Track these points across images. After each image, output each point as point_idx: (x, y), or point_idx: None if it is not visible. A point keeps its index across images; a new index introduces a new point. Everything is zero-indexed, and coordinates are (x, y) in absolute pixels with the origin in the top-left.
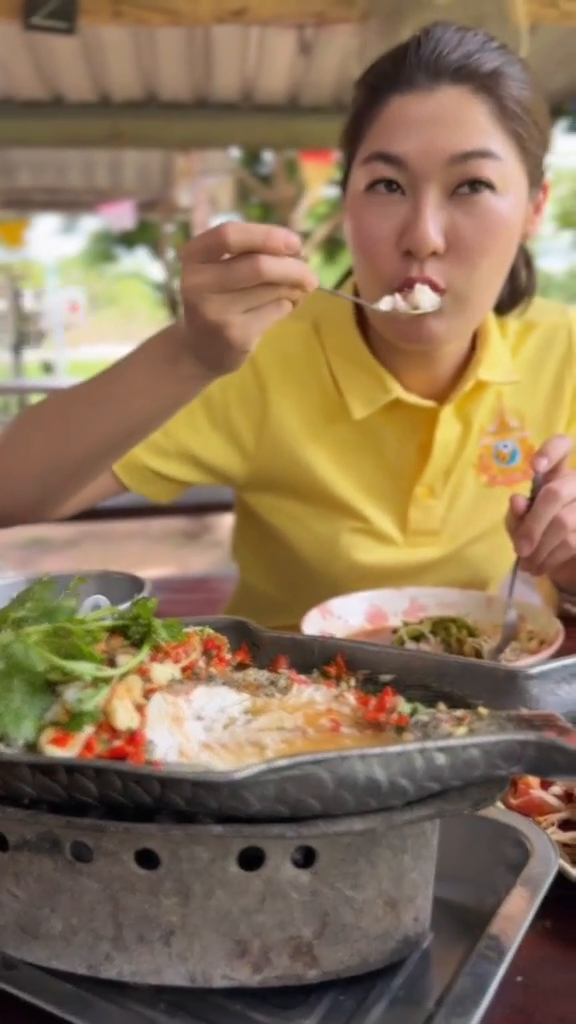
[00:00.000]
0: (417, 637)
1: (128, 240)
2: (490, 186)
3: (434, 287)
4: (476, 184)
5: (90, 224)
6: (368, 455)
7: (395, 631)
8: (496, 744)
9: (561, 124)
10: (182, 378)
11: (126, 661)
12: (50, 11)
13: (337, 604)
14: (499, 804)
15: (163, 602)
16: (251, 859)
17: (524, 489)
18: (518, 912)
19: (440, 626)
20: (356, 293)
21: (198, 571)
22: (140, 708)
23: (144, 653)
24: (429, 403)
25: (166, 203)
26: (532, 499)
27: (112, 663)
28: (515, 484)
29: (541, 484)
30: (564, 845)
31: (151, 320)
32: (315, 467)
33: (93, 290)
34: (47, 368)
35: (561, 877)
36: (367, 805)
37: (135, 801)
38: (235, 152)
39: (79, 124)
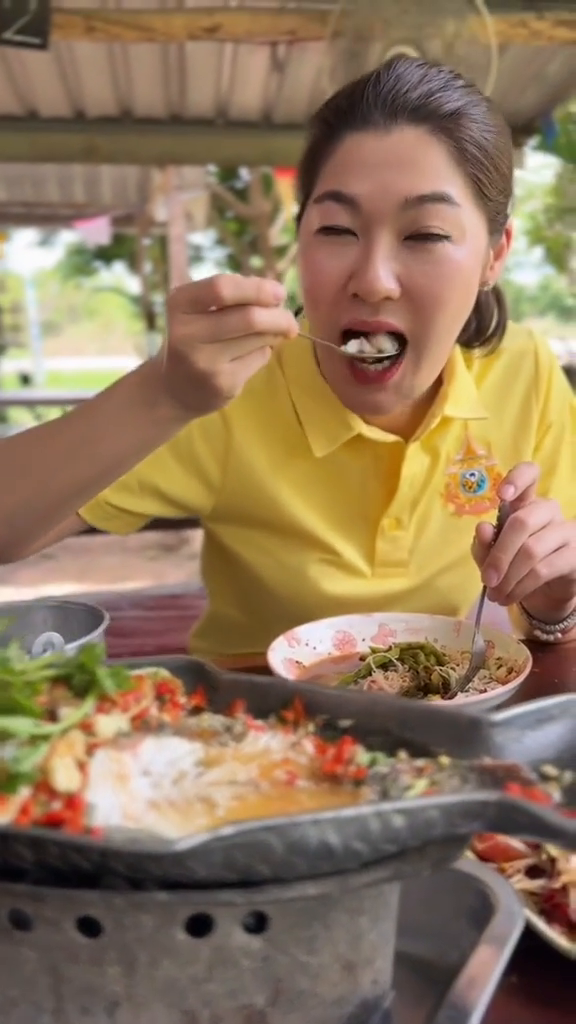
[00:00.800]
0: (385, 665)
1: (105, 255)
2: (446, 236)
3: (391, 330)
4: (431, 235)
5: (67, 237)
6: (333, 489)
7: (363, 658)
8: (456, 804)
9: (531, 142)
10: (159, 420)
11: (68, 714)
12: (22, 26)
13: (304, 631)
14: None
15: (137, 619)
16: (199, 925)
17: (492, 518)
18: (483, 972)
19: (408, 653)
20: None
21: (175, 583)
22: (83, 765)
23: (87, 706)
24: (393, 438)
25: (143, 218)
26: (499, 527)
27: (53, 716)
28: (483, 513)
29: (508, 512)
30: (531, 894)
31: (129, 332)
32: (281, 500)
33: (71, 302)
34: (25, 379)
35: (528, 928)
36: (320, 869)
37: (74, 868)
38: (211, 167)
39: (54, 139)
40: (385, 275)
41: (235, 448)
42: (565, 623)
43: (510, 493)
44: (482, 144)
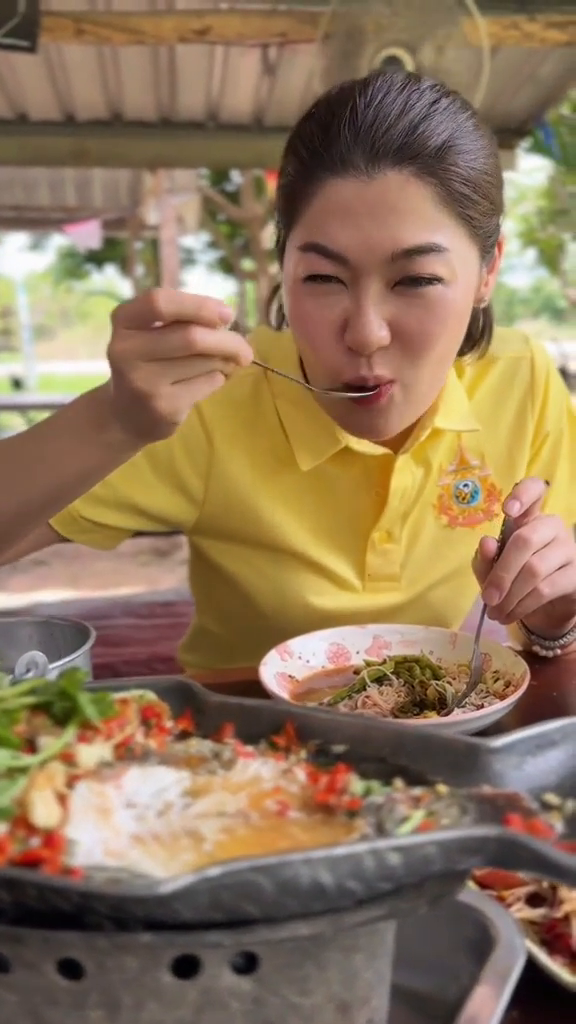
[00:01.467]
0: (379, 679)
1: (97, 258)
2: (438, 279)
3: (384, 381)
4: (421, 280)
5: (59, 240)
6: (321, 502)
7: (357, 671)
8: (454, 840)
9: (524, 143)
10: (108, 444)
11: (48, 744)
12: (10, 29)
13: (297, 644)
14: None
15: (129, 627)
16: (186, 966)
17: (486, 530)
18: (484, 1011)
19: (403, 667)
20: (302, 361)
21: (167, 589)
22: (63, 799)
23: (68, 735)
24: (382, 450)
25: (134, 221)
26: (502, 542)
27: (32, 745)
28: (477, 524)
29: (512, 528)
30: (532, 923)
31: None
32: (267, 513)
33: (63, 306)
34: (17, 384)
35: (529, 959)
36: (313, 908)
37: (54, 908)
38: (203, 170)
39: (44, 142)
40: (377, 326)
41: (219, 463)
42: (565, 639)
43: (515, 509)
44: (471, 178)
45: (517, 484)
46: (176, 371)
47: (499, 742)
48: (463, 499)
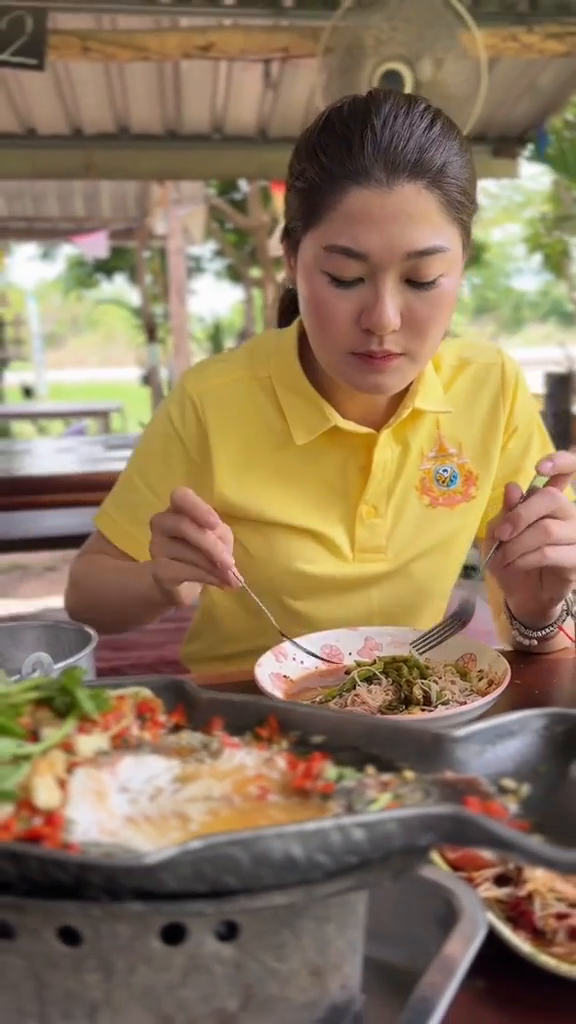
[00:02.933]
0: (369, 678)
1: (106, 267)
2: (442, 275)
3: (393, 355)
4: (429, 277)
5: (68, 250)
6: (316, 479)
7: (348, 671)
8: (413, 817)
9: (525, 152)
10: (152, 580)
11: (50, 734)
12: (18, 48)
13: (291, 646)
14: (436, 856)
15: (135, 631)
16: (173, 934)
17: (464, 511)
18: (444, 976)
19: (392, 667)
20: (305, 343)
21: None
22: (63, 783)
23: (68, 726)
24: (366, 430)
25: (142, 231)
26: (524, 498)
27: (36, 736)
28: (456, 505)
29: (535, 489)
30: (499, 901)
31: (131, 343)
32: (269, 490)
33: (74, 314)
34: (27, 392)
35: (495, 935)
36: (286, 880)
37: (55, 881)
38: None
39: (52, 156)
40: (393, 313)
41: (215, 465)
42: (544, 631)
43: (548, 468)
44: (464, 188)
45: (557, 452)
46: (171, 549)
47: (461, 732)
48: (443, 482)
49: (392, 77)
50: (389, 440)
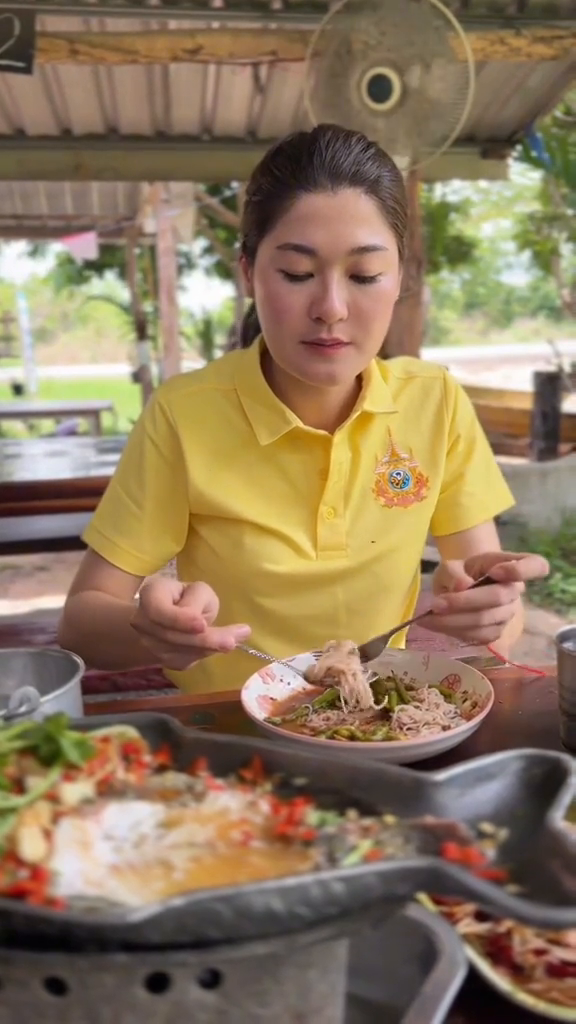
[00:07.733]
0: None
1: (96, 264)
2: (381, 273)
3: (341, 343)
4: (370, 274)
5: (58, 247)
6: (279, 481)
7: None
8: (391, 871)
9: (515, 152)
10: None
11: (36, 784)
12: (5, 51)
13: (278, 666)
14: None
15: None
16: (158, 982)
17: (417, 510)
18: (426, 1018)
19: (379, 689)
20: (266, 357)
21: None
22: (48, 833)
23: (54, 775)
24: (322, 432)
25: (132, 229)
26: (477, 585)
27: (21, 785)
28: (409, 505)
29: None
30: (479, 936)
31: (122, 339)
32: (234, 490)
33: (64, 309)
34: (18, 389)
35: (474, 971)
36: (268, 931)
37: (41, 933)
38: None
39: (41, 157)
40: (340, 304)
41: (186, 451)
42: None
43: (499, 575)
44: (396, 198)
45: (524, 557)
46: (162, 648)
47: (441, 776)
48: (397, 484)
49: (380, 82)
50: (343, 442)
